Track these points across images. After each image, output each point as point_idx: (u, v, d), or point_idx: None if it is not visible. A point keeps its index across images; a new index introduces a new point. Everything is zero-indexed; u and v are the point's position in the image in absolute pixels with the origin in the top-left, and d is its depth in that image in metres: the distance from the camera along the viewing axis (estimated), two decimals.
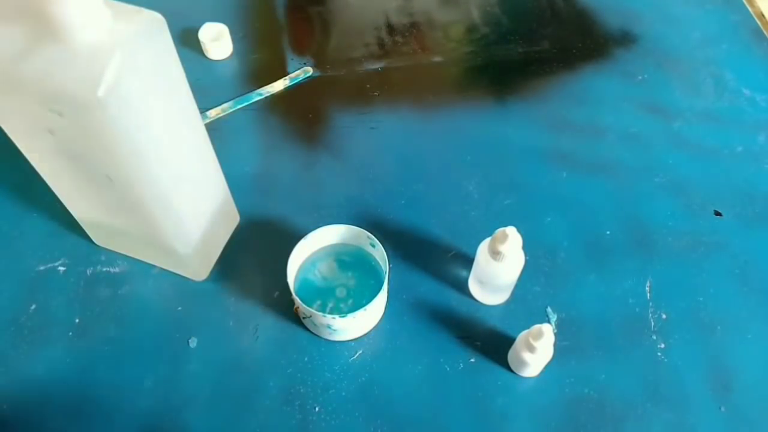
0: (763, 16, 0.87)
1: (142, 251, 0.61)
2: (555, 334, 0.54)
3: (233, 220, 0.65)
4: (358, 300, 0.58)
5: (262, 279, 0.61)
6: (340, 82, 0.78)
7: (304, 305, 0.54)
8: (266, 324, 0.59)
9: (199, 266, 0.61)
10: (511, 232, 0.52)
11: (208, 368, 0.57)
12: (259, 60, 0.80)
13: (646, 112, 0.75)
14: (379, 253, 0.58)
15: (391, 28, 0.84)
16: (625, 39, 0.83)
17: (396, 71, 0.79)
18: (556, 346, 0.55)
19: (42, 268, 0.62)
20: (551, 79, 0.79)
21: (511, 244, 0.52)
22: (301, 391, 0.56)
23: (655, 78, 0.79)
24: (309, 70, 0.79)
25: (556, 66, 0.80)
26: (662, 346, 0.58)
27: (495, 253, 0.53)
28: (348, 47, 0.82)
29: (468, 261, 0.63)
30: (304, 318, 0.58)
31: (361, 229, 0.59)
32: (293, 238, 0.58)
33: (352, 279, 0.60)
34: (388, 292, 0.59)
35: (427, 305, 0.60)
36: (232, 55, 0.80)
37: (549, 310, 0.60)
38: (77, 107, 0.40)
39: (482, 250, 0.56)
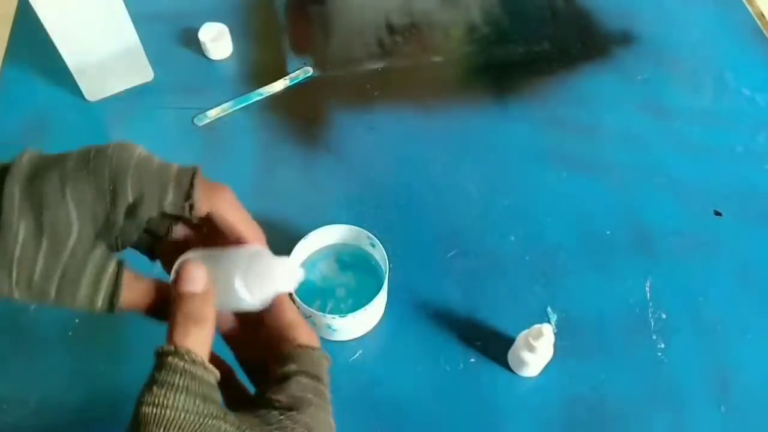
0: (763, 16, 0.87)
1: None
2: (555, 334, 0.54)
3: (143, 72, 0.76)
4: (358, 300, 0.58)
5: None
6: (340, 82, 0.78)
7: (304, 305, 0.54)
8: None
9: (88, 85, 0.73)
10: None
11: None
12: (259, 60, 0.80)
13: (646, 112, 0.75)
14: (379, 253, 0.58)
15: (391, 28, 0.84)
16: (625, 39, 0.83)
17: (396, 71, 0.79)
18: (556, 346, 0.55)
19: None
20: (551, 79, 0.79)
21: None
22: None
23: (655, 78, 0.79)
24: (309, 70, 0.79)
25: (556, 66, 0.80)
26: (662, 346, 0.58)
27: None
28: (348, 47, 0.82)
29: (468, 263, 0.63)
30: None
31: (361, 229, 0.59)
32: (293, 238, 0.58)
33: (352, 279, 0.60)
34: (388, 292, 0.59)
35: (427, 305, 0.60)
36: (232, 55, 0.80)
37: (549, 310, 0.60)
38: None
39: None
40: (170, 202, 0.36)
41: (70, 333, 0.58)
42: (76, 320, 0.59)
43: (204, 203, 0.37)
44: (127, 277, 0.36)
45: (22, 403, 0.55)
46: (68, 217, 0.33)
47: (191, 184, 0.37)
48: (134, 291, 0.36)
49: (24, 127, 0.73)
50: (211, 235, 0.39)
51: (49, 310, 0.60)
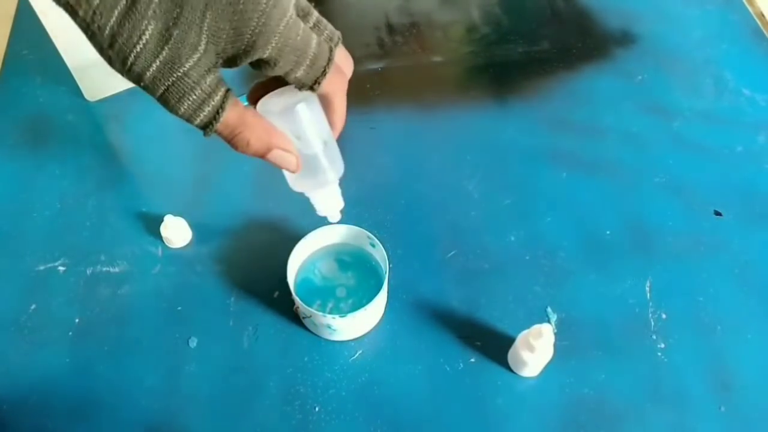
0: (763, 16, 0.87)
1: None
2: (555, 334, 0.54)
3: None
4: (358, 300, 0.58)
5: (262, 279, 0.61)
6: None
7: (304, 305, 0.54)
8: (266, 324, 0.59)
9: (88, 85, 0.73)
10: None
11: (208, 368, 0.57)
12: None
13: (646, 112, 0.75)
14: (379, 253, 0.58)
15: (391, 28, 0.84)
16: (625, 39, 0.83)
17: (396, 71, 0.79)
18: (556, 346, 0.55)
19: (42, 268, 0.62)
20: (551, 79, 0.79)
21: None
22: (300, 391, 0.56)
23: (655, 78, 0.79)
24: None
25: (556, 66, 0.80)
26: (662, 346, 0.58)
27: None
28: (348, 47, 0.81)
29: (468, 263, 0.63)
30: (304, 318, 0.58)
31: (361, 229, 0.59)
32: (293, 238, 0.58)
33: (352, 279, 0.60)
34: (388, 292, 0.59)
35: (427, 305, 0.60)
36: None
37: (549, 310, 0.60)
38: None
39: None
40: (297, 77, 0.38)
41: (70, 333, 0.58)
42: (76, 320, 0.59)
43: (325, 87, 0.40)
44: (230, 108, 0.37)
45: (22, 403, 0.55)
46: (197, 43, 0.34)
47: (323, 72, 0.39)
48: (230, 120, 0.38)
49: (24, 127, 0.73)
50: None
51: (48, 309, 0.60)
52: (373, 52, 0.81)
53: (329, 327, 0.56)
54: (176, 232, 0.62)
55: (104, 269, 0.62)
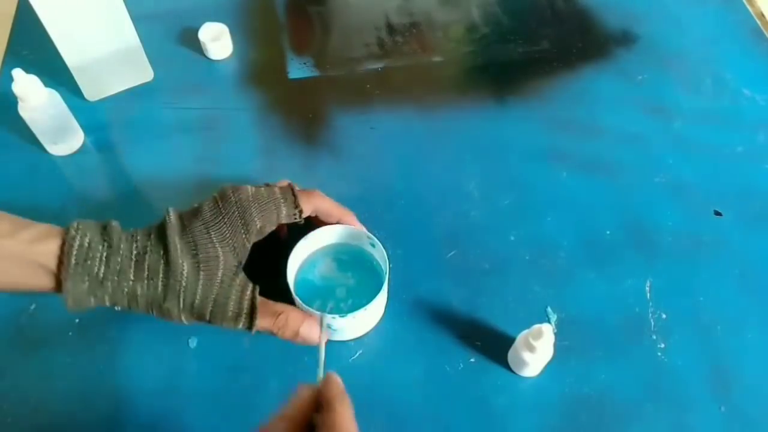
0: (763, 16, 0.87)
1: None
2: (555, 334, 0.54)
3: (143, 72, 0.76)
4: (358, 300, 0.58)
5: (262, 279, 0.61)
6: (340, 82, 0.78)
7: (304, 305, 0.54)
8: None
9: (88, 85, 0.73)
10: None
11: (208, 368, 0.57)
12: (259, 60, 0.80)
13: (646, 112, 0.75)
14: (379, 253, 0.58)
15: (391, 28, 0.84)
16: (625, 39, 0.83)
17: (396, 71, 0.79)
18: (556, 346, 0.55)
19: None
20: (551, 79, 0.79)
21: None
22: None
23: (655, 78, 0.79)
24: (309, 70, 0.79)
25: (556, 66, 0.80)
26: (662, 346, 0.58)
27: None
28: (348, 47, 0.82)
29: (468, 263, 0.63)
30: None
31: (361, 229, 0.59)
32: (293, 238, 0.58)
33: (352, 279, 0.60)
34: (388, 292, 0.59)
35: (427, 305, 0.60)
36: (232, 55, 0.80)
37: (549, 310, 0.60)
38: None
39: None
40: (285, 215, 0.50)
41: (70, 333, 0.58)
42: (77, 320, 0.59)
43: (307, 207, 0.52)
44: (260, 301, 0.47)
45: (22, 403, 0.55)
46: (216, 253, 0.46)
47: (294, 197, 0.51)
48: (265, 314, 0.48)
49: (24, 127, 0.73)
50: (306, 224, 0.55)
51: (48, 309, 0.60)
52: (373, 52, 0.81)
53: (329, 327, 0.56)
54: None
55: None
